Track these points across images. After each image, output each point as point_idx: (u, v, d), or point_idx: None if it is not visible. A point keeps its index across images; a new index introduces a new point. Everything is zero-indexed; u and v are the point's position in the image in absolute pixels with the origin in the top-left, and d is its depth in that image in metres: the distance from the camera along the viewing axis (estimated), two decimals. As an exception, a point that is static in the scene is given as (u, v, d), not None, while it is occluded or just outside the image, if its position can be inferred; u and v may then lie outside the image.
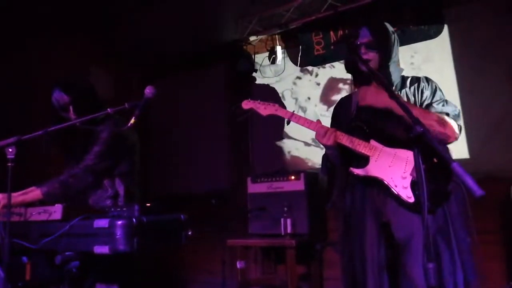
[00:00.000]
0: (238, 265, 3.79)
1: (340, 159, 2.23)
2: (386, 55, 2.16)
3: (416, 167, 1.47)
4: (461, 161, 1.41)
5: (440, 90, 2.20)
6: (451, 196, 1.95)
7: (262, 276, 4.18)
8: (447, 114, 2.08)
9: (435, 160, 1.93)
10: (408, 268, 1.95)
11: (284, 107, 2.31)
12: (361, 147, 2.08)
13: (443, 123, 2.03)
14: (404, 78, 2.26)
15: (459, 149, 3.80)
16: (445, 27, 4.15)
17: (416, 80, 2.23)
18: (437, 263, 1.81)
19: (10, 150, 1.92)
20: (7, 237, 1.85)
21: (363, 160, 2.09)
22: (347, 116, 2.28)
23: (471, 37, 4.05)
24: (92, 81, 4.69)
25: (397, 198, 1.98)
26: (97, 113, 2.15)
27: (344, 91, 4.52)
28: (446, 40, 4.17)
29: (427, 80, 2.23)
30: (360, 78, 2.26)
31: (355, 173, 2.10)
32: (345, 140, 2.11)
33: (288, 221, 3.67)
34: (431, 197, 1.80)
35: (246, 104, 2.31)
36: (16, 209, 2.13)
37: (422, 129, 1.48)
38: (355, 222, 2.14)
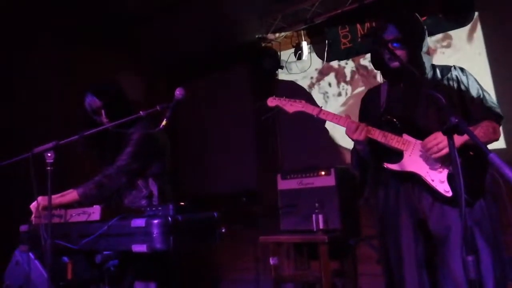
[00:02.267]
0: (271, 261, 3.79)
1: (371, 155, 2.18)
2: (415, 48, 2.10)
3: (452, 158, 1.44)
4: (497, 151, 1.37)
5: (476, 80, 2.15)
6: (488, 190, 1.92)
7: (296, 272, 4.18)
8: (498, 115, 2.07)
9: (471, 153, 1.90)
10: (447, 262, 1.92)
11: (312, 102, 2.27)
12: (394, 141, 2.02)
13: (496, 131, 2.02)
14: (434, 67, 2.20)
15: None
16: (476, 14, 4.03)
17: (447, 69, 2.17)
18: (475, 256, 1.81)
19: (49, 154, 2.00)
20: (48, 238, 1.92)
21: (396, 155, 2.03)
22: (376, 110, 2.22)
23: (503, 23, 3.92)
24: (121, 86, 4.81)
25: (435, 193, 1.93)
26: (129, 116, 2.20)
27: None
28: (478, 28, 4.06)
29: (460, 69, 2.17)
30: (388, 72, 2.22)
31: (390, 168, 2.04)
32: (377, 135, 2.05)
33: (320, 217, 3.65)
34: (468, 190, 1.75)
35: (272, 102, 2.24)
36: (56, 211, 2.21)
37: (457, 120, 1.45)
38: (390, 220, 2.11)
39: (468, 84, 2.09)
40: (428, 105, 2.05)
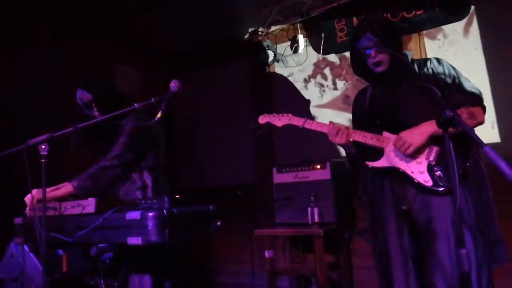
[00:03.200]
0: (267, 254, 3.81)
1: (358, 155, 2.30)
2: (395, 49, 2.16)
3: (447, 151, 1.46)
4: (492, 145, 1.38)
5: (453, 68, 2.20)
6: (469, 176, 1.97)
7: (291, 265, 4.20)
8: (478, 96, 2.09)
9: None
10: (435, 252, 1.97)
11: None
12: (373, 140, 2.14)
13: (472, 115, 2.03)
14: (413, 62, 2.28)
15: (489, 133, 3.70)
16: (472, 8, 4.03)
17: (423, 63, 2.24)
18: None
19: (43, 147, 1.99)
20: (43, 231, 1.91)
21: (378, 153, 2.15)
22: (362, 111, 2.36)
23: (499, 17, 3.91)
24: (117, 78, 4.79)
25: (415, 184, 2.03)
26: (122, 109, 2.19)
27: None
28: (474, 22, 4.05)
29: (436, 59, 2.23)
30: (372, 77, 2.31)
31: (370, 166, 2.16)
32: (357, 136, 2.18)
33: (315, 210, 3.66)
34: (448, 178, 1.90)
35: (262, 119, 2.45)
36: (51, 204, 2.21)
37: (452, 113, 1.45)
38: (378, 213, 2.21)
39: (444, 73, 2.15)
40: (409, 100, 2.14)
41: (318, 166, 3.87)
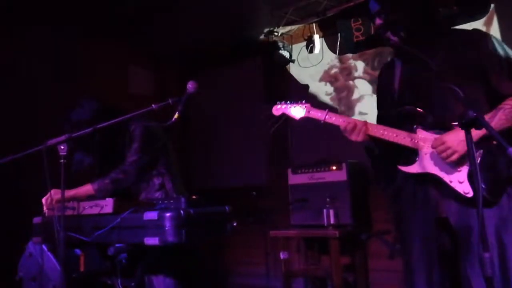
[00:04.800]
0: (282, 256, 3.79)
1: (382, 154, 2.03)
2: (410, 17, 1.87)
3: (470, 156, 1.39)
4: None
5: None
6: None
7: (306, 266, 4.17)
8: None
9: (494, 142, 1.70)
10: (472, 265, 1.75)
11: (318, 104, 2.16)
12: (405, 139, 1.84)
13: None
14: (451, 32, 2.00)
15: None
16: (492, 6, 3.95)
17: (465, 35, 1.93)
18: (502, 256, 1.70)
19: (62, 147, 2.00)
20: (61, 231, 1.93)
21: (411, 154, 1.85)
22: (390, 95, 2.02)
23: (520, 15, 3.84)
24: (130, 79, 4.82)
25: (454, 194, 1.76)
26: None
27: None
28: (494, 20, 3.98)
29: (483, 34, 1.92)
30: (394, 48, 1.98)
31: (405, 171, 1.87)
32: (379, 132, 1.88)
33: (331, 211, 3.63)
34: (491, 187, 1.67)
35: (277, 111, 2.17)
36: (69, 204, 2.23)
37: (475, 114, 1.41)
38: (406, 220, 1.97)
39: (492, 52, 1.80)
40: (443, 88, 1.77)
41: (334, 167, 3.84)
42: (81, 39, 4.59)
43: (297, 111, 2.10)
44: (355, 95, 4.74)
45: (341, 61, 4.89)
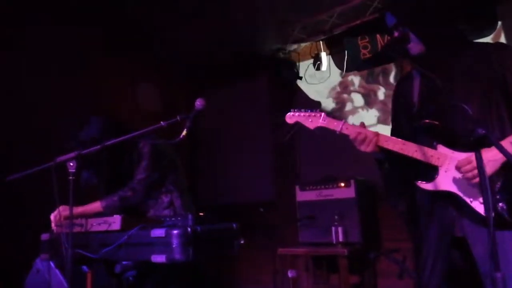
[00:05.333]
0: (290, 274, 3.75)
1: (395, 168, 1.99)
2: (428, 28, 1.85)
3: (480, 174, 1.37)
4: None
5: None
6: None
7: (314, 285, 4.12)
8: None
9: None
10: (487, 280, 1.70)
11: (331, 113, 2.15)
12: (424, 155, 1.77)
13: None
14: (469, 45, 1.94)
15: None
16: (499, 24, 3.96)
17: (483, 48, 1.89)
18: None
19: (71, 164, 2.01)
20: (69, 247, 1.93)
21: (430, 170, 1.79)
22: (409, 109, 1.95)
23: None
24: (138, 94, 4.84)
25: (474, 214, 1.71)
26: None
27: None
28: (501, 37, 3.98)
29: (502, 46, 1.95)
30: (413, 60, 1.95)
31: (423, 188, 1.81)
32: (403, 147, 1.80)
33: (340, 229, 3.60)
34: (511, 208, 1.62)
35: (291, 118, 2.02)
36: (77, 220, 2.23)
37: (484, 132, 1.40)
38: (422, 237, 1.92)
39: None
40: (464, 97, 1.73)
41: (342, 184, 3.82)
42: (91, 56, 4.66)
43: (312, 120, 1.97)
44: (348, 107, 4.79)
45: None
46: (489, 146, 1.41)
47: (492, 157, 1.61)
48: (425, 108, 1.86)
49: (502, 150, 1.34)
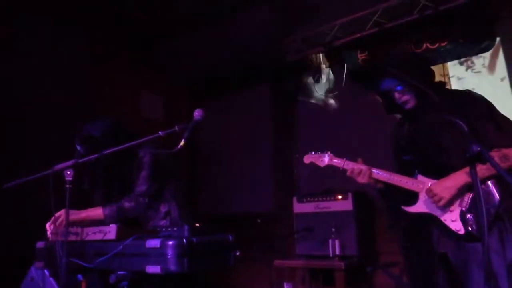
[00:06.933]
0: (286, 286, 3.73)
1: (389, 195, 2.30)
2: (422, 82, 2.17)
3: (475, 188, 1.41)
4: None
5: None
6: (505, 217, 1.93)
7: (310, 298, 4.09)
8: None
9: (482, 186, 1.90)
10: None
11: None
12: (408, 183, 2.15)
13: (506, 158, 1.92)
14: (446, 92, 2.25)
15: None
16: (498, 40, 4.00)
17: (457, 95, 2.23)
18: (495, 286, 1.83)
19: (68, 172, 2.01)
20: (64, 257, 1.92)
21: (414, 196, 2.13)
22: (398, 148, 2.33)
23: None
24: (143, 104, 4.87)
25: (449, 231, 2.02)
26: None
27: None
28: (500, 52, 4.01)
29: (473, 93, 2.20)
30: (405, 113, 2.31)
31: (408, 211, 2.14)
32: (383, 177, 2.20)
33: (337, 242, 3.59)
34: (478, 225, 1.88)
35: (307, 159, 2.52)
36: (73, 229, 2.22)
37: (479, 149, 1.42)
38: (415, 254, 2.22)
39: (479, 106, 2.08)
40: (447, 138, 2.08)
41: (340, 197, 3.82)
42: (95, 64, 4.68)
43: (323, 160, 2.45)
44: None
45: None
46: (484, 162, 1.43)
47: (450, 184, 2.01)
48: (409, 147, 2.24)
49: (495, 166, 1.35)
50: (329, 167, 2.43)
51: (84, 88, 4.53)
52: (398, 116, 2.43)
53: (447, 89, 2.29)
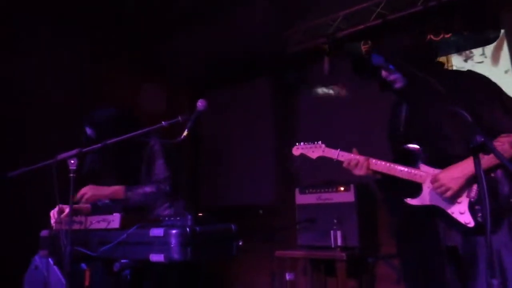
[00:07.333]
0: (287, 277, 3.76)
1: (390, 186, 2.15)
2: (416, 68, 2.01)
3: (478, 179, 1.40)
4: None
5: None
6: None
7: (312, 288, 4.12)
8: None
9: (492, 175, 1.82)
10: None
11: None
12: (409, 174, 1.98)
13: None
14: (447, 74, 2.14)
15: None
16: (502, 32, 3.97)
17: (457, 76, 2.09)
18: (502, 279, 1.76)
19: (72, 161, 2.02)
20: (68, 245, 1.94)
21: (416, 187, 1.97)
22: (396, 130, 2.16)
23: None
24: (144, 96, 4.87)
25: (457, 224, 1.88)
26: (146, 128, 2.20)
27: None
28: (504, 45, 3.99)
29: (472, 74, 2.09)
30: (397, 93, 2.16)
31: (411, 204, 1.99)
32: (382, 167, 2.04)
33: (338, 233, 3.60)
34: (491, 216, 1.65)
35: (296, 151, 2.37)
36: (77, 218, 2.24)
37: (482, 139, 1.41)
38: (418, 249, 2.04)
39: (483, 87, 1.96)
40: (448, 124, 1.93)
41: (342, 188, 3.83)
42: (95, 64, 4.67)
43: (314, 151, 2.28)
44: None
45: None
46: (488, 152, 1.42)
47: (458, 173, 1.84)
48: (410, 132, 2.07)
49: (499, 156, 1.35)
50: (322, 158, 2.25)
51: (84, 88, 4.51)
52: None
53: (446, 69, 2.16)
